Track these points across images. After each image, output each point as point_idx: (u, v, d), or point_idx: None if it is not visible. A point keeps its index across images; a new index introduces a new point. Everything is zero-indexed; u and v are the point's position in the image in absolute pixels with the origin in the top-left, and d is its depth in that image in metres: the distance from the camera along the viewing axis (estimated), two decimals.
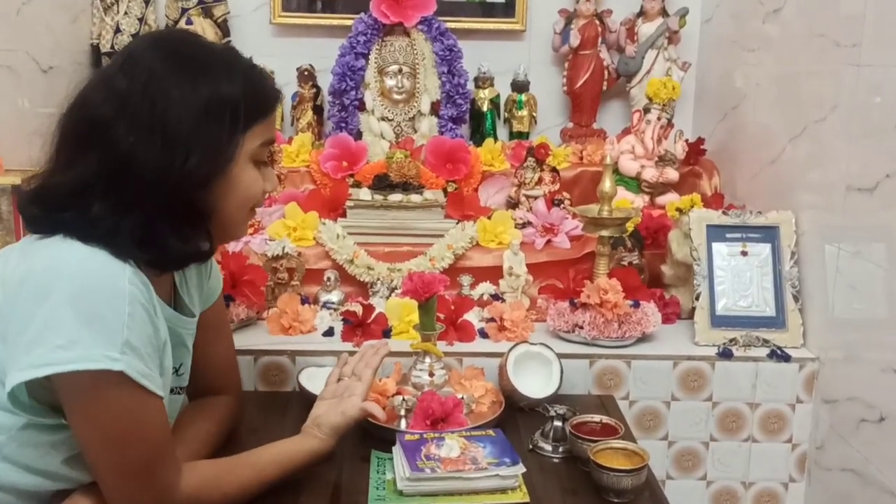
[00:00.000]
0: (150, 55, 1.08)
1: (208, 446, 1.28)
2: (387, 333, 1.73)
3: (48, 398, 1.03)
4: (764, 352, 1.71)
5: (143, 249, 1.04)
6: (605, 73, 2.43)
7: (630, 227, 1.93)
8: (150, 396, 1.04)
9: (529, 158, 2.14)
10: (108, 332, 0.98)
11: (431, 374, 1.48)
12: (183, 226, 1.08)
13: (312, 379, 1.55)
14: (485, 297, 1.87)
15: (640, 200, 2.19)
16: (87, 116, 1.05)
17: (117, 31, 2.32)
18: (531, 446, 1.41)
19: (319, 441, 1.26)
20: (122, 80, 1.06)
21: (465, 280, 1.90)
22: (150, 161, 1.03)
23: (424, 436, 1.33)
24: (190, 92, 1.05)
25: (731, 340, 1.73)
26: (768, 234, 1.81)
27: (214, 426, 1.32)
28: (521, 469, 1.24)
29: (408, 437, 1.33)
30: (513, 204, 2.16)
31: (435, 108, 2.30)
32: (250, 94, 1.10)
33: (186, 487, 1.10)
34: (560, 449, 1.39)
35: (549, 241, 1.98)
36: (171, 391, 1.23)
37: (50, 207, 1.05)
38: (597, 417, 1.41)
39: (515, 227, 2.02)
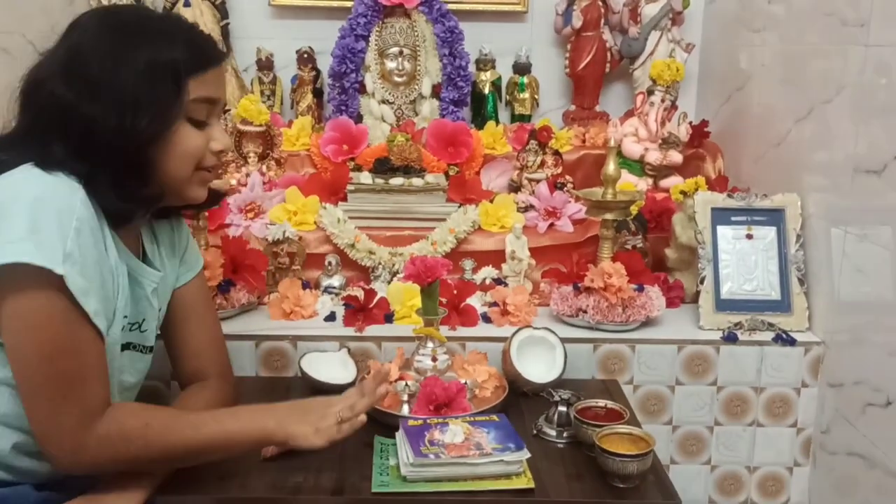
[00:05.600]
0: (89, 19, 1.16)
1: None
2: (389, 318, 1.72)
3: None
4: (769, 336, 1.70)
5: (87, 191, 1.08)
6: (608, 54, 2.41)
7: (634, 210, 1.91)
8: (86, 322, 1.06)
9: (532, 141, 2.12)
10: (53, 240, 1.02)
11: (434, 359, 1.47)
12: (125, 180, 1.11)
13: (314, 364, 1.55)
14: (487, 282, 1.86)
15: (643, 183, 2.17)
16: (32, 78, 1.13)
17: None
18: (535, 431, 1.40)
19: (274, 426, 1.20)
20: (61, 44, 1.14)
21: (467, 264, 1.88)
22: (101, 118, 1.07)
23: (428, 421, 1.32)
24: (128, 53, 1.09)
25: (735, 324, 1.72)
26: (774, 216, 1.79)
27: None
28: (525, 454, 1.23)
29: (411, 422, 1.32)
30: (515, 187, 2.14)
31: (436, 91, 2.28)
32: (186, 53, 1.13)
33: (110, 416, 1.09)
34: (564, 434, 1.38)
35: (551, 225, 1.97)
36: (134, 347, 1.25)
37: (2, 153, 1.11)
38: (601, 402, 1.40)
39: (518, 211, 2.01)
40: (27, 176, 1.06)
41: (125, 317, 1.19)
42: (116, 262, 1.15)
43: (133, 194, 1.13)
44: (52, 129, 1.09)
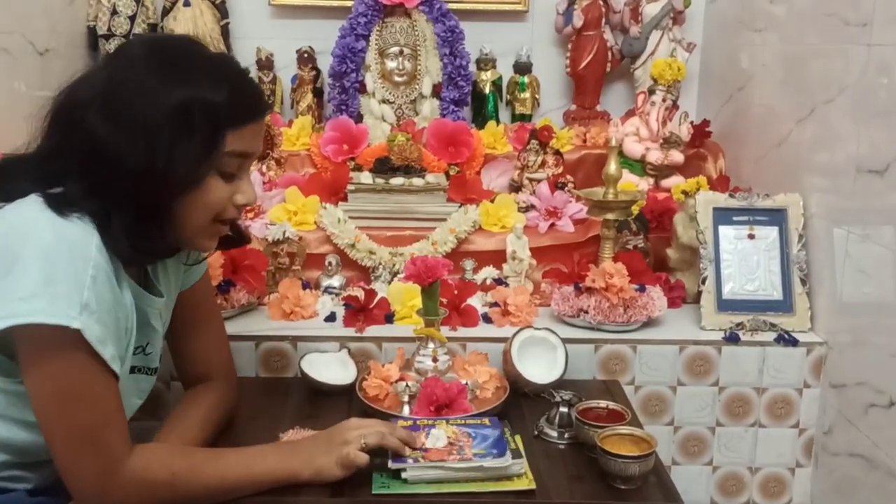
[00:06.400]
0: (137, 50, 1.10)
1: (205, 432, 1.27)
2: (389, 318, 1.71)
3: (14, 354, 1.05)
4: (771, 336, 1.69)
5: (101, 235, 1.05)
6: (609, 54, 2.41)
7: (635, 210, 1.90)
8: (103, 368, 1.04)
9: (532, 141, 2.11)
10: (69, 292, 0.99)
11: (435, 360, 1.46)
12: (142, 228, 1.07)
13: (314, 365, 1.55)
14: (488, 282, 1.85)
15: (644, 183, 2.16)
16: (66, 100, 1.07)
17: (114, 12, 2.28)
18: (536, 432, 1.39)
19: (300, 465, 1.18)
20: (104, 70, 1.09)
21: (468, 264, 1.87)
22: (131, 157, 1.03)
23: (418, 422, 1.32)
24: (170, 96, 1.04)
25: (737, 325, 1.71)
26: (776, 216, 1.78)
27: (209, 413, 1.31)
28: (506, 461, 1.21)
29: (401, 423, 1.31)
30: (516, 187, 2.13)
31: (436, 91, 2.27)
32: (230, 103, 1.07)
33: (135, 463, 1.08)
34: (566, 435, 1.37)
35: (552, 225, 1.96)
36: (140, 371, 1.23)
37: (16, 177, 1.08)
38: (603, 403, 1.39)
39: (518, 211, 2.00)
40: (39, 218, 1.02)
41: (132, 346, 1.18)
42: (130, 302, 1.13)
43: (148, 244, 1.09)
44: (76, 160, 1.05)
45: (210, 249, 1.22)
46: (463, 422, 1.33)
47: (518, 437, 1.32)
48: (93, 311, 1.01)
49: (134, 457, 1.09)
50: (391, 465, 1.20)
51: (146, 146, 1.03)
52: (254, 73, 2.39)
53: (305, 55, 2.36)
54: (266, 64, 2.37)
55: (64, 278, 0.99)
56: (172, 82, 1.05)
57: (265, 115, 1.16)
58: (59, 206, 1.03)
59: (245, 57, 2.39)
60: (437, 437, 1.26)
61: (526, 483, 1.21)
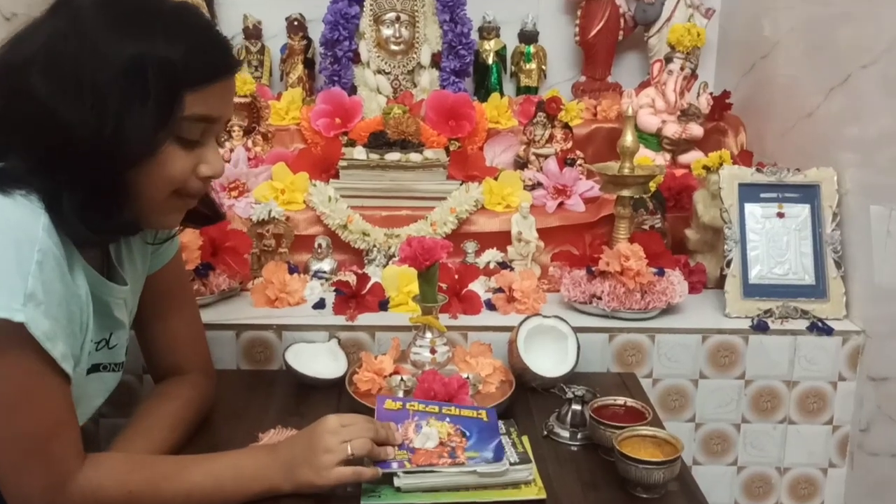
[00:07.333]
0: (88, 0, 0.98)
1: (176, 432, 1.18)
2: (383, 305, 1.63)
3: None
4: (803, 324, 1.60)
5: (50, 215, 0.94)
6: (622, 21, 2.32)
7: (652, 186, 1.81)
8: (52, 368, 0.94)
9: (540, 114, 2.04)
10: (10, 280, 0.90)
11: (433, 351, 1.38)
12: (96, 206, 0.96)
13: (301, 356, 1.48)
14: (491, 266, 1.79)
15: (660, 159, 2.07)
16: (4, 59, 0.97)
17: None
18: (546, 432, 1.30)
19: (280, 481, 1.08)
20: (47, 23, 0.98)
21: (470, 247, 1.80)
22: (78, 124, 0.93)
23: (407, 405, 1.21)
24: (122, 52, 0.93)
25: (765, 312, 1.62)
26: (807, 193, 1.69)
27: (181, 410, 1.21)
28: (503, 466, 1.11)
29: (388, 404, 1.21)
30: (521, 164, 2.05)
31: (436, 60, 2.20)
32: (190, 60, 0.96)
33: (86, 480, 0.98)
34: (579, 435, 1.28)
35: (561, 204, 1.88)
36: (104, 368, 1.12)
37: None
38: (620, 400, 1.30)
39: (524, 189, 1.92)
40: None
41: (91, 341, 1.07)
42: (86, 292, 1.02)
43: (102, 223, 0.98)
44: (18, 129, 0.95)
45: (174, 226, 1.12)
46: (458, 412, 1.22)
47: (525, 438, 1.23)
48: (39, 301, 0.91)
49: (86, 471, 0.99)
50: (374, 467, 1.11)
51: (94, 110, 0.93)
52: (240, 43, 2.30)
53: (296, 23, 2.27)
54: (253, 32, 2.28)
55: (5, 264, 0.89)
56: (123, 36, 0.94)
57: (232, 73, 1.04)
58: (1, 182, 0.93)
59: (231, 25, 2.30)
60: (429, 435, 1.16)
61: (535, 492, 1.11)
